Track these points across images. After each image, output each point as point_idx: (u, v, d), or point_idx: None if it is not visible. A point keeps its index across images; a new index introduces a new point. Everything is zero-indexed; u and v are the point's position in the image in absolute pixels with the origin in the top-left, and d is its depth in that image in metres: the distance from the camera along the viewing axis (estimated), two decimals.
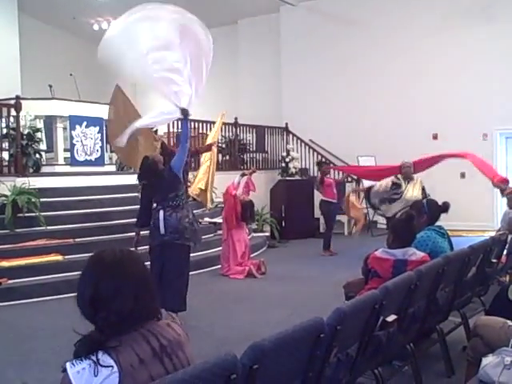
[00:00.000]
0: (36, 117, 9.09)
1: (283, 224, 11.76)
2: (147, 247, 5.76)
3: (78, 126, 9.57)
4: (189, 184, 8.54)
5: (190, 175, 9.25)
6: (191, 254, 5.93)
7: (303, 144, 13.50)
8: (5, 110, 8.55)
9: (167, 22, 5.13)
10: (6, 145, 8.64)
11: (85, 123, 9.67)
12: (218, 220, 9.15)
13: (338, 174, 11.72)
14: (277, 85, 14.34)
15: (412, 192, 8.13)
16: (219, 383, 1.69)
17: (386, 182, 8.50)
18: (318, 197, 10.39)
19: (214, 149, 9.12)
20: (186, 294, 5.62)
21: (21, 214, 7.53)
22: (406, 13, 12.63)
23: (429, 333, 4.12)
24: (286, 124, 13.78)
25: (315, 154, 13.28)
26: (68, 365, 1.59)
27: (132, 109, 7.85)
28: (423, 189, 8.27)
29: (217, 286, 7.47)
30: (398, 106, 12.65)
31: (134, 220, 6.12)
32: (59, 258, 7.23)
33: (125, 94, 8.02)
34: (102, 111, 9.47)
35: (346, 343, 2.69)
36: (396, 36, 12.70)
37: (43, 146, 9.47)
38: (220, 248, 8.43)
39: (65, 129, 9.63)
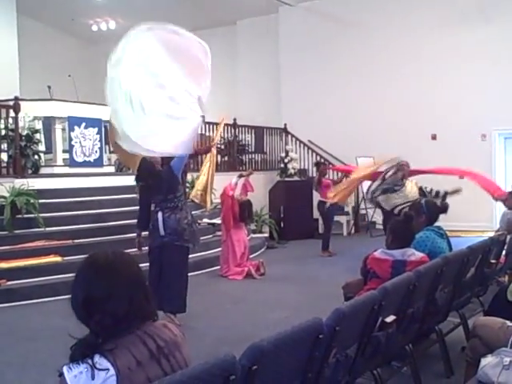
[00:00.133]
0: (35, 118, 9.08)
1: (282, 225, 11.75)
2: (147, 248, 5.76)
3: (76, 127, 9.56)
4: (188, 185, 8.52)
5: (189, 176, 9.25)
6: (190, 255, 5.93)
7: (302, 145, 13.50)
8: (3, 111, 8.53)
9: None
10: (4, 146, 8.62)
11: (83, 124, 9.66)
12: (217, 221, 9.15)
13: (337, 174, 11.71)
14: (275, 85, 14.35)
15: (411, 188, 8.13)
16: None
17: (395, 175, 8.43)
18: (316, 197, 10.39)
19: (214, 150, 9.11)
20: (185, 296, 5.61)
21: (19, 216, 7.52)
22: (405, 14, 12.65)
23: (428, 333, 4.12)
24: (285, 125, 13.78)
25: (314, 154, 13.28)
26: (65, 369, 1.58)
27: None
28: (420, 188, 8.26)
29: (216, 287, 7.46)
30: (396, 107, 12.66)
31: (133, 221, 6.13)
32: (58, 259, 7.22)
33: None
34: (101, 112, 9.47)
35: (345, 344, 2.69)
36: (394, 37, 12.71)
37: (42, 147, 9.45)
38: (219, 249, 8.43)
39: (63, 130, 9.63)
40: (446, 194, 7.99)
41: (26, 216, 7.59)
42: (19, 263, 6.94)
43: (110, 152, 10.27)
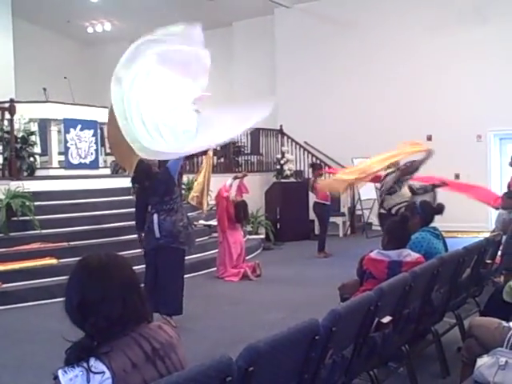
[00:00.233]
0: (30, 120, 9.04)
1: (278, 226, 11.75)
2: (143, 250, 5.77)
3: (72, 129, 9.55)
4: (184, 187, 8.52)
5: (185, 178, 9.25)
6: (186, 257, 5.93)
7: (298, 146, 13.50)
8: None
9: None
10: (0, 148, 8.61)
11: (79, 126, 9.65)
12: (213, 222, 9.14)
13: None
14: (271, 87, 14.35)
15: (405, 188, 8.13)
16: None
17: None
18: (312, 199, 10.40)
19: (210, 152, 9.11)
20: (182, 298, 5.60)
21: (15, 218, 7.50)
22: (401, 15, 12.67)
23: (424, 334, 4.13)
24: (281, 126, 13.77)
25: (310, 156, 13.29)
26: (60, 372, 1.57)
27: None
28: (409, 186, 8.22)
29: (212, 289, 7.45)
30: (392, 108, 12.68)
31: (129, 223, 6.15)
32: (54, 261, 7.19)
33: None
34: (97, 114, 9.47)
35: (342, 345, 2.69)
36: (390, 38, 12.73)
37: (37, 150, 9.43)
38: (215, 251, 8.42)
39: (59, 132, 9.62)
40: (433, 186, 7.99)
41: (21, 218, 7.56)
42: (15, 266, 6.92)
43: (106, 154, 10.26)
